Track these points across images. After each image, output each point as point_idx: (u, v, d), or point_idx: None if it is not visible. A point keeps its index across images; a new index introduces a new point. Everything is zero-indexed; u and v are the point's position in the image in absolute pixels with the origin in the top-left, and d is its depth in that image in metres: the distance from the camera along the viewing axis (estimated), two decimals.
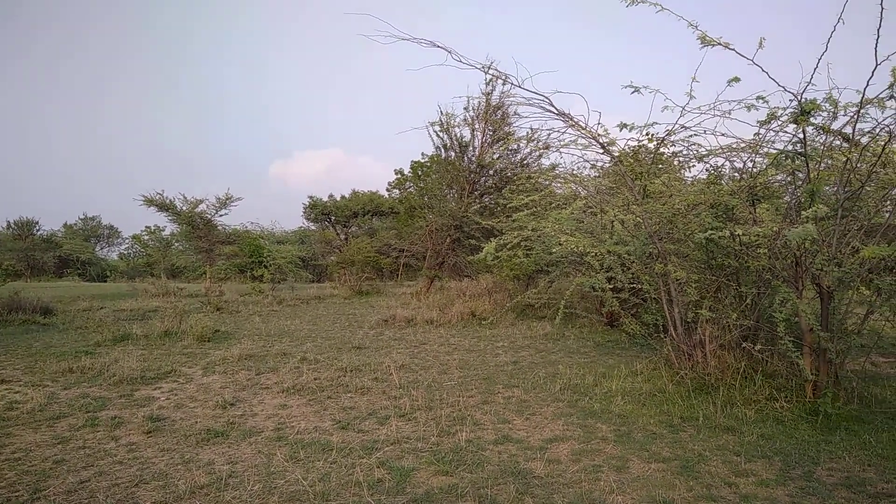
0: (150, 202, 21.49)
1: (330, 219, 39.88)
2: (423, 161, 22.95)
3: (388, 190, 36.61)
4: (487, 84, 17.93)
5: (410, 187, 24.08)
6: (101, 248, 54.99)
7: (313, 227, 41.11)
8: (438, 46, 6.56)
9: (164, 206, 21.67)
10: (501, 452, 4.76)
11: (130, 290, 20.63)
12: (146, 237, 43.15)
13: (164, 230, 41.20)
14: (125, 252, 50.80)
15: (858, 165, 5.91)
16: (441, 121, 19.40)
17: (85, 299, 16.76)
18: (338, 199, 39.95)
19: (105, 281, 36.65)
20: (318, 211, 39.42)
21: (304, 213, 40.41)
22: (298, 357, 8.62)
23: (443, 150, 20.16)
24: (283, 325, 12.58)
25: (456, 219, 18.49)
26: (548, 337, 11.12)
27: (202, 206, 22.15)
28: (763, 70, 5.38)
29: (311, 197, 39.84)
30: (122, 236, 55.97)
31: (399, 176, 29.12)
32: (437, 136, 19.85)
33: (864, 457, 4.68)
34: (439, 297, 16.84)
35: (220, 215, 22.63)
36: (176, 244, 38.69)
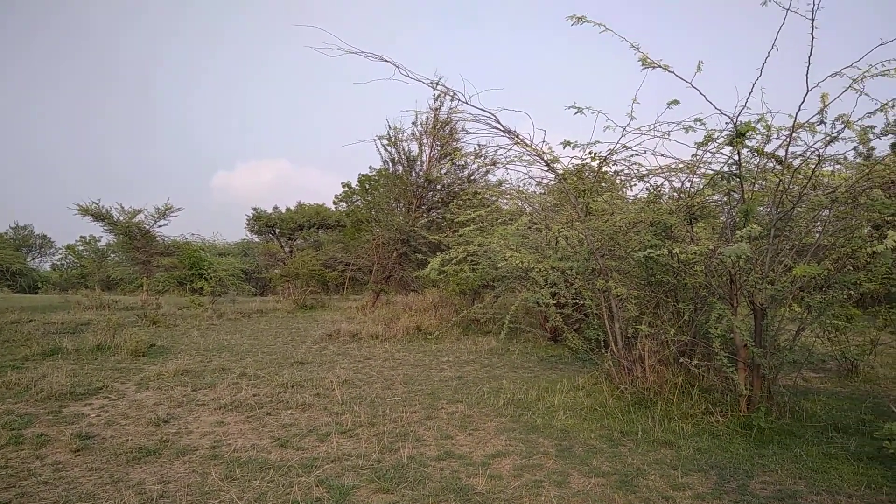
0: (85, 211, 20.78)
1: (274, 231, 39.22)
2: (370, 174, 22.89)
3: (335, 203, 36.34)
4: (436, 99, 18.06)
5: (358, 200, 23.99)
6: (33, 259, 52.71)
7: (257, 240, 40.35)
8: (386, 61, 6.56)
9: (100, 216, 21.00)
10: (444, 469, 4.73)
11: (62, 303, 19.79)
12: (81, 248, 41.62)
13: (99, 241, 39.85)
14: (58, 263, 48.83)
15: (790, 187, 6.14)
16: (389, 135, 19.42)
17: (14, 311, 15.98)
18: (283, 210, 39.37)
19: (36, 292, 35.09)
20: (263, 223, 38.73)
21: (248, 224, 39.65)
22: (237, 372, 8.42)
23: (391, 164, 20.17)
24: (222, 340, 12.26)
25: (403, 233, 18.47)
26: (493, 352, 11.16)
27: (140, 217, 21.56)
28: (701, 93, 5.55)
29: (254, 208, 39.13)
30: (55, 246, 53.81)
31: (346, 189, 28.96)
32: (385, 149, 19.87)
33: (796, 470, 4.83)
34: (385, 311, 16.73)
35: (159, 226, 22.08)
36: (112, 255, 37.42)
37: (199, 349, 10.87)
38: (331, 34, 6.27)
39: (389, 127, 19.66)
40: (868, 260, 6.10)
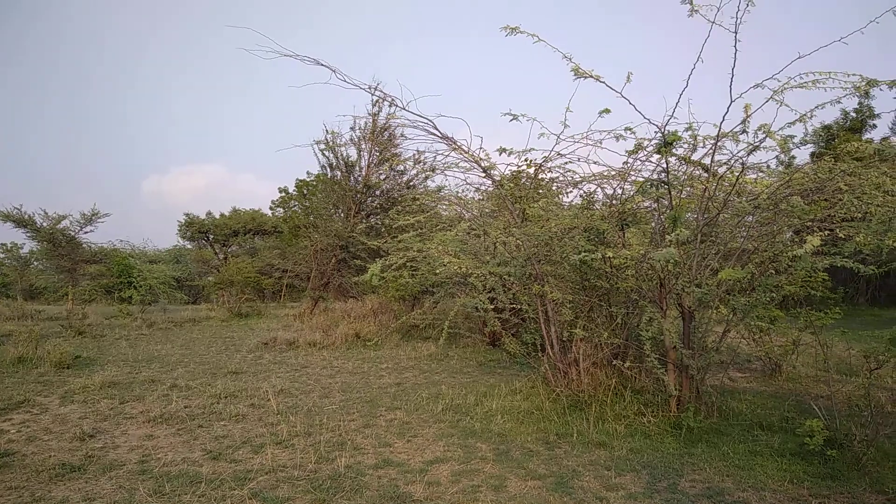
0: (6, 217, 19.77)
1: (208, 237, 38.21)
2: (308, 180, 22.60)
3: (271, 208, 35.64)
4: (374, 105, 17.97)
5: (295, 206, 23.62)
6: None
7: (190, 246, 39.21)
8: (322, 65, 6.49)
9: (21, 222, 19.99)
10: (381, 477, 4.70)
11: None
12: (1, 255, 39.55)
13: (22, 248, 37.95)
14: None
15: (716, 194, 6.37)
16: (327, 139, 19.23)
17: None
18: (217, 216, 38.40)
19: None
20: (195, 229, 37.64)
21: (180, 231, 38.47)
22: (168, 384, 8.15)
23: (329, 170, 19.96)
24: (152, 350, 11.85)
25: (342, 239, 18.30)
26: (432, 357, 11.17)
27: (65, 223, 20.61)
28: (630, 103, 5.70)
29: (187, 214, 37.99)
30: None
31: (284, 194, 28.48)
32: (323, 154, 19.65)
33: (723, 467, 5.00)
34: (323, 318, 16.51)
35: (86, 232, 21.15)
36: (35, 263, 35.67)
37: (127, 360, 10.48)
38: (265, 36, 6.17)
39: (327, 132, 19.49)
40: (789, 264, 6.38)
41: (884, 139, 20.63)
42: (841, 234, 5.90)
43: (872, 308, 21.01)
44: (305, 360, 10.69)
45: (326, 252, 19.03)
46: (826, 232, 5.68)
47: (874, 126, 25.85)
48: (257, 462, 5.01)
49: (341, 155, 19.51)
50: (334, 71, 6.49)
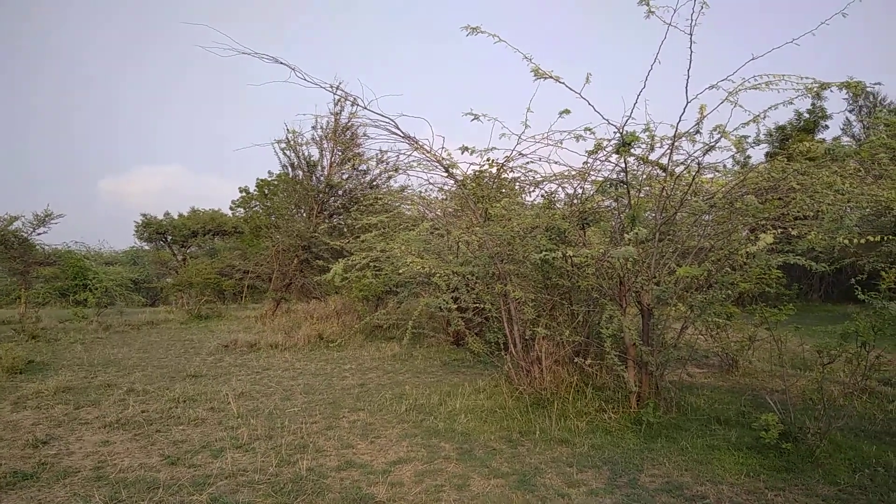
0: None
1: (166, 238, 37.50)
2: (270, 179, 22.30)
3: (231, 208, 35.03)
4: (336, 104, 17.83)
5: (256, 206, 23.28)
6: None
7: (147, 248, 38.43)
8: (281, 63, 6.41)
9: None
10: (344, 479, 4.66)
11: None
12: None
13: None
14: None
15: (673, 193, 6.48)
16: (288, 139, 19.00)
17: None
18: (175, 217, 37.70)
19: None
20: (153, 230, 36.89)
21: (137, 232, 37.66)
22: (125, 388, 7.97)
23: (290, 169, 19.75)
24: (108, 354, 11.56)
25: (304, 239, 18.12)
26: (396, 358, 11.13)
27: (17, 224, 19.93)
28: (589, 104, 5.76)
29: (144, 215, 37.23)
30: None
31: (244, 194, 28.05)
32: (284, 154, 19.43)
33: (682, 462, 5.09)
34: (285, 319, 16.33)
35: (39, 234, 20.49)
36: None
37: (82, 365, 10.21)
38: (222, 33, 6.06)
39: (288, 131, 19.27)
40: (745, 261, 6.53)
41: (835, 139, 21.23)
42: (794, 232, 6.05)
43: (825, 304, 21.59)
44: (267, 363, 10.56)
45: (288, 252, 18.82)
46: (780, 230, 5.82)
47: (826, 127, 26.65)
48: (217, 467, 4.93)
49: (303, 154, 19.33)
50: (293, 69, 6.42)
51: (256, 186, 22.55)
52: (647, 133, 6.11)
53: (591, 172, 7.05)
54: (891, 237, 5.83)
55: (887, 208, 5.48)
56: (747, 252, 5.23)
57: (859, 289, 5.58)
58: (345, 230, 17.18)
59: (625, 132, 5.79)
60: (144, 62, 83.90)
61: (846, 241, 5.43)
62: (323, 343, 12.75)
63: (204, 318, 18.96)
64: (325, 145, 18.94)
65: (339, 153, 18.87)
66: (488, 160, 7.39)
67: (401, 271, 8.57)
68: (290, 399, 7.54)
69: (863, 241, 5.45)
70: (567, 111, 6.08)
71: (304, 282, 19.18)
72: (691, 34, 5.50)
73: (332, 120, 18.35)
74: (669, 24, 5.51)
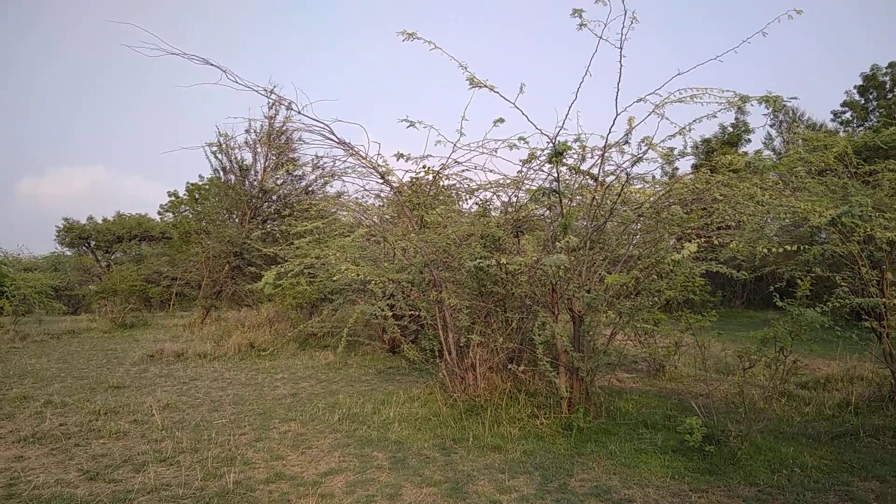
0: None
1: (89, 244, 35.98)
2: (201, 183, 21.74)
3: (160, 213, 34.03)
4: (270, 107, 17.52)
5: (186, 211, 22.64)
6: None
7: (69, 253, 36.77)
8: (211, 64, 6.25)
9: None
10: (273, 491, 4.55)
11: None
12: None
13: None
14: None
15: (603, 202, 6.64)
16: (219, 142, 18.54)
17: None
18: (99, 221, 36.22)
19: None
20: (75, 234, 35.34)
21: (58, 236, 36.01)
22: (42, 400, 7.56)
23: (222, 173, 19.26)
24: (25, 364, 10.96)
25: (236, 245, 17.68)
26: (330, 366, 10.97)
27: None
28: (523, 113, 5.84)
29: (65, 219, 35.64)
30: None
31: (173, 198, 27.29)
32: (216, 157, 18.95)
33: (611, 466, 5.19)
34: (215, 328, 15.87)
35: None
36: None
37: None
38: (149, 33, 5.86)
39: (219, 134, 18.80)
40: (671, 269, 6.74)
41: (757, 153, 22.18)
42: (717, 242, 6.29)
43: (747, 310, 22.53)
44: (195, 373, 10.22)
45: (219, 259, 18.33)
46: (703, 239, 6.03)
47: (749, 140, 28.09)
48: (139, 481, 4.73)
49: (235, 158, 18.90)
50: (224, 71, 6.26)
51: (186, 191, 21.98)
52: (578, 143, 6.25)
53: (526, 181, 7.17)
54: (807, 247, 6.11)
55: (804, 219, 5.73)
56: (673, 260, 5.38)
57: (778, 296, 5.84)
58: (278, 236, 16.91)
59: (557, 142, 5.90)
60: (65, 59, 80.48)
61: (766, 251, 5.67)
62: (254, 352, 12.44)
63: (129, 326, 18.22)
64: (259, 149, 18.57)
65: (274, 158, 18.53)
66: (424, 167, 7.41)
67: (335, 278, 8.47)
68: (218, 410, 7.32)
69: (781, 250, 5.70)
70: (501, 120, 6.16)
71: (236, 289, 18.69)
72: (621, 48, 5.65)
73: (267, 124, 18.01)
74: (601, 38, 5.65)
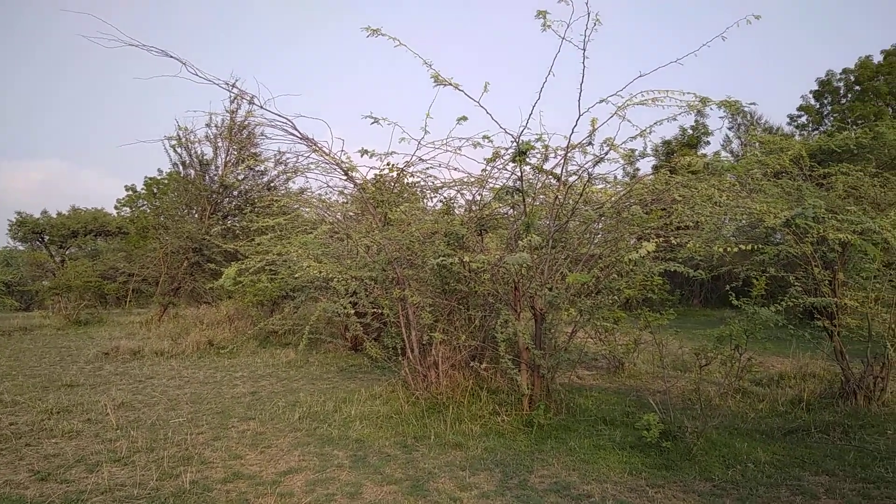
0: None
1: (43, 238, 35.01)
2: (159, 178, 21.30)
3: (116, 208, 33.27)
4: (232, 101, 17.23)
5: (144, 206, 22.15)
6: None
7: (22, 248, 35.75)
8: (171, 56, 6.12)
9: None
10: (230, 491, 4.49)
11: None
12: None
13: None
14: None
15: (565, 202, 6.70)
16: (179, 136, 18.18)
17: None
18: (54, 215, 35.27)
19: None
20: (28, 229, 34.35)
21: (10, 231, 34.96)
22: None
23: (182, 168, 18.91)
24: None
25: (195, 241, 17.36)
26: (291, 364, 10.86)
27: None
28: (487, 112, 5.85)
29: (18, 213, 34.63)
30: None
31: (131, 193, 26.69)
32: (175, 151, 18.58)
33: (570, 462, 5.25)
34: (173, 325, 15.57)
35: None
36: None
37: None
38: (107, 23, 5.73)
39: (179, 127, 18.44)
40: (630, 268, 6.84)
41: (715, 154, 22.70)
42: (675, 241, 6.40)
43: (705, 309, 22.98)
44: (151, 371, 10.02)
45: (178, 255, 17.98)
46: (662, 239, 6.13)
47: (708, 143, 28.69)
48: (92, 482, 4.62)
49: (195, 152, 18.56)
50: (184, 63, 6.15)
51: (144, 185, 21.54)
52: (541, 143, 6.30)
53: (490, 180, 7.20)
54: (763, 247, 6.27)
55: (760, 220, 5.86)
56: (631, 259, 5.47)
57: (734, 295, 5.98)
58: (239, 232, 16.66)
59: (521, 141, 5.93)
60: (19, 50, 78.02)
61: (722, 251, 5.80)
62: (213, 350, 12.23)
63: (83, 323, 17.76)
64: (220, 144, 18.27)
65: (235, 152, 18.25)
66: (388, 164, 7.38)
67: (297, 275, 8.40)
68: (174, 409, 7.19)
69: (737, 250, 5.83)
70: (465, 118, 6.18)
71: (195, 286, 18.37)
72: (584, 49, 5.70)
73: (228, 118, 17.74)
74: (563, 38, 5.68)
